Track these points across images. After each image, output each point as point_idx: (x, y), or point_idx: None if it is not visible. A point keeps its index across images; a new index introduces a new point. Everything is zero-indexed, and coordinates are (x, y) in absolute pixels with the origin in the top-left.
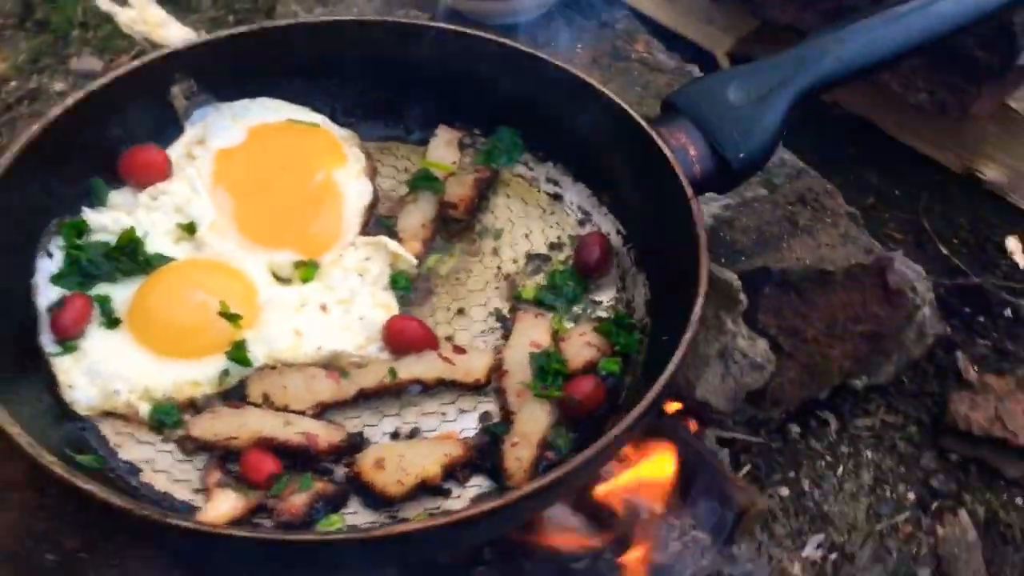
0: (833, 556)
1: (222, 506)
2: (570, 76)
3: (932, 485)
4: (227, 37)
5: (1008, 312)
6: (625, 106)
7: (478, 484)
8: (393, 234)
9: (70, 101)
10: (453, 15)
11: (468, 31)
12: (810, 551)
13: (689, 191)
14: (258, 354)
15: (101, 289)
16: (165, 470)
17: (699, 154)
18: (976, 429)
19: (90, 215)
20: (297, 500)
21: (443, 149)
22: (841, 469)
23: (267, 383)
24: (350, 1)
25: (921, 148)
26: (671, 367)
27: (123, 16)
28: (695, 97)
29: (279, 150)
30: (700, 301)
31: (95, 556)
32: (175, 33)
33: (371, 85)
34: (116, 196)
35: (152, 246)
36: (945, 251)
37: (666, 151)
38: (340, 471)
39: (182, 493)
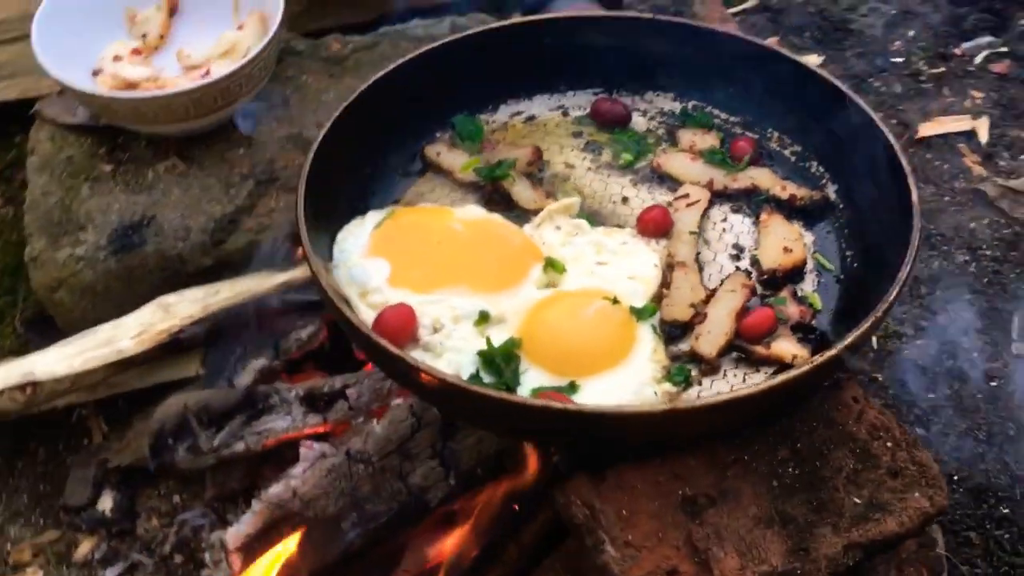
0: None
1: (788, 348)
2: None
3: None
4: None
5: None
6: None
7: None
8: (525, 213)
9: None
10: None
11: None
12: None
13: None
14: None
15: (526, 388)
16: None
17: None
18: None
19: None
20: (796, 309)
21: (451, 155)
22: None
23: (681, 300)
24: None
25: None
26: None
27: None
28: None
29: (412, 241)
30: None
31: None
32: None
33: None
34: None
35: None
36: None
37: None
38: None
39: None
